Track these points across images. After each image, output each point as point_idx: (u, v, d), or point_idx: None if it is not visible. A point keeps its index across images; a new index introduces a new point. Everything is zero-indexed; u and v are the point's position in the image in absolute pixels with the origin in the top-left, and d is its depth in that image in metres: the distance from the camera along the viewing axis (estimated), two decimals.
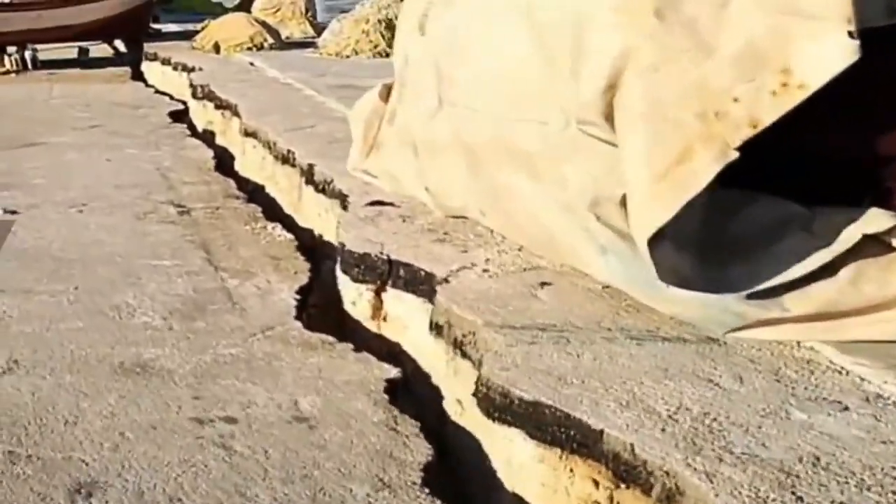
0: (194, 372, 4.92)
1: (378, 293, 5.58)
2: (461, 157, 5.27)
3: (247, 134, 9.72)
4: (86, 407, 4.53)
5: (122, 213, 8.04)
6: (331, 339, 5.37)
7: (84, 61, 17.79)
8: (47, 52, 17.60)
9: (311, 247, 7.57)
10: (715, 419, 3.49)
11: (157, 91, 15.21)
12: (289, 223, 8.16)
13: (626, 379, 3.80)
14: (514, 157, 4.65)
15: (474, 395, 4.01)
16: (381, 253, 5.45)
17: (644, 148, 3.74)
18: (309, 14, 18.58)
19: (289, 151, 8.36)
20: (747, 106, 3.64)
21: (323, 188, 7.38)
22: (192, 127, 12.51)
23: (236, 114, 10.66)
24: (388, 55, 14.75)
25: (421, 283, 5.16)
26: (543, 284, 4.81)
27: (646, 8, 3.85)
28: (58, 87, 15.25)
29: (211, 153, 10.47)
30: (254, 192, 9.23)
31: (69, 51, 18.17)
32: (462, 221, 5.86)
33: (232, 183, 9.21)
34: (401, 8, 7.13)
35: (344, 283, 5.76)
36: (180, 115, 13.23)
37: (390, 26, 15.03)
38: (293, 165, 8.27)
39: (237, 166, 10.05)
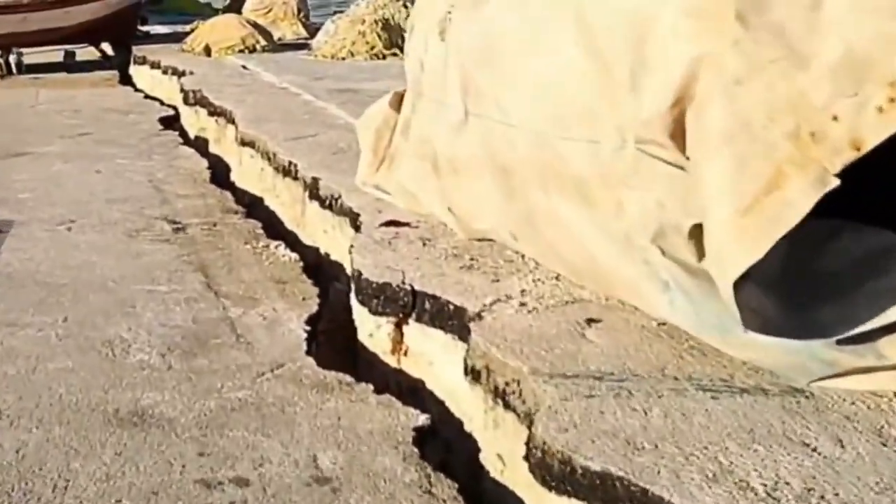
0: (198, 421, 4.36)
1: (399, 325, 5.01)
2: (492, 175, 4.70)
3: (244, 143, 9.14)
4: (78, 467, 3.97)
5: (114, 230, 7.47)
6: (348, 378, 4.83)
7: (70, 65, 17.17)
8: (33, 55, 16.96)
9: (316, 264, 7.01)
10: (822, 497, 2.93)
11: (147, 96, 14.63)
12: (291, 240, 7.60)
13: (708, 443, 3.24)
14: (558, 179, 4.09)
15: (526, 458, 3.45)
16: (403, 283, 4.88)
17: (726, 174, 3.18)
18: (301, 14, 17.98)
19: (290, 163, 7.78)
20: (849, 125, 3.08)
21: (330, 204, 6.81)
22: (183, 134, 11.94)
23: (231, 121, 10.07)
24: (384, 57, 14.23)
25: (450, 318, 4.60)
26: (591, 321, 4.25)
27: (725, 11, 3.29)
28: (44, 93, 14.64)
29: (205, 163, 9.90)
30: (252, 206, 8.67)
31: (55, 54, 17.52)
32: (489, 245, 5.30)
33: (229, 195, 8.64)
34: (413, 10, 6.54)
35: (360, 314, 5.20)
36: (171, 121, 12.65)
37: (387, 27, 14.50)
38: (295, 178, 7.69)
39: (234, 177, 9.47)
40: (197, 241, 7.22)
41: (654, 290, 3.83)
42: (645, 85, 3.58)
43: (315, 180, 7.16)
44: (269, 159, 8.37)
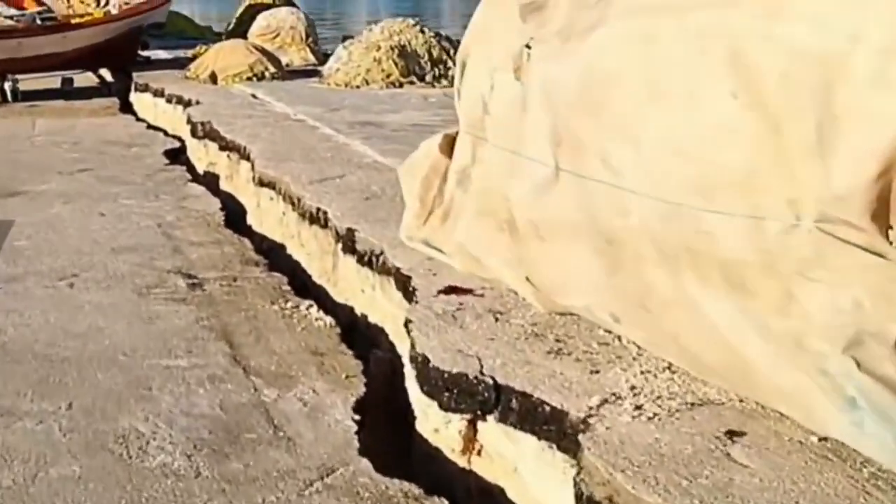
0: None
1: (474, 421, 4.14)
2: (591, 246, 3.85)
3: (262, 184, 8.26)
4: None
5: (122, 287, 6.60)
6: (415, 490, 3.97)
7: (68, 92, 16.26)
8: (29, 82, 16.07)
9: (351, 326, 6.16)
10: None
11: (150, 126, 13.75)
12: (321, 296, 6.74)
13: None
14: (696, 259, 3.22)
15: None
16: (482, 374, 4.02)
17: None
18: (310, 40, 17.11)
19: (318, 210, 6.92)
20: None
21: (370, 261, 5.95)
22: (190, 168, 11.06)
23: (246, 157, 9.21)
24: (401, 85, 13.40)
25: (545, 422, 3.74)
26: (732, 434, 3.39)
27: None
28: (41, 122, 13.76)
29: (217, 203, 9.03)
30: (272, 254, 7.80)
31: (52, 80, 16.64)
32: (573, 321, 4.45)
33: (247, 243, 7.77)
34: (466, 40, 5.68)
35: (424, 405, 4.34)
36: (177, 154, 11.78)
37: (403, 54, 13.68)
38: (325, 226, 6.83)
39: (250, 220, 8.60)
40: (216, 301, 6.35)
41: (831, 407, 2.97)
42: (835, 148, 2.72)
43: (350, 232, 6.29)
44: (292, 204, 7.50)
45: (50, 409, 4.72)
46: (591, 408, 3.65)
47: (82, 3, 17.46)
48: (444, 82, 13.59)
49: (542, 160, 4.12)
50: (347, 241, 6.34)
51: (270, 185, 8.11)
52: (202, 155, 10.89)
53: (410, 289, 5.19)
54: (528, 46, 4.45)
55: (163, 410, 4.71)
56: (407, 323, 4.70)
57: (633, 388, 3.78)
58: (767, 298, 3.02)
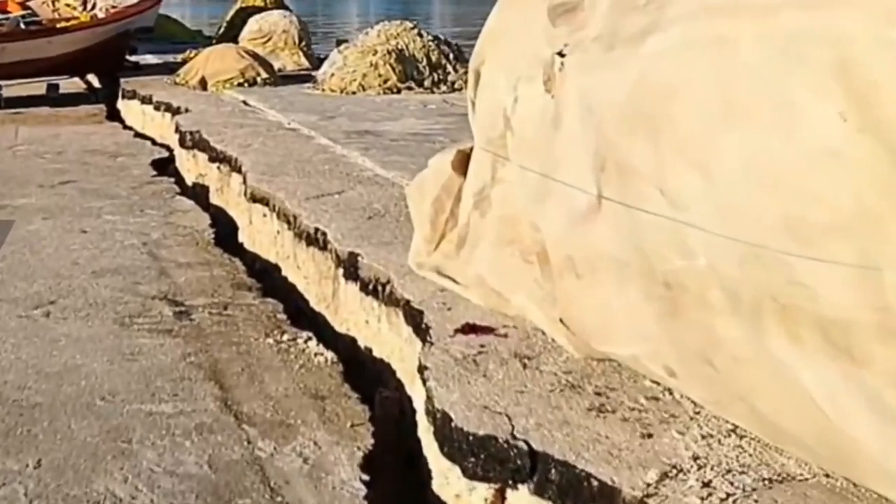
0: None
1: (502, 489, 3.53)
2: (643, 287, 3.25)
3: (255, 199, 7.64)
4: None
5: (103, 316, 5.99)
6: None
7: (54, 98, 15.60)
8: (12, 88, 15.43)
9: (353, 359, 5.56)
10: None
11: (137, 134, 13.14)
12: (319, 324, 6.13)
13: None
14: (784, 314, 2.62)
15: None
16: (514, 437, 3.41)
17: None
18: (302, 44, 16.47)
19: (317, 231, 6.30)
20: None
21: (375, 289, 5.35)
22: (179, 179, 10.44)
23: (237, 170, 8.60)
24: (399, 91, 12.80)
25: (592, 500, 3.11)
26: None
27: None
28: (24, 131, 13.13)
29: (207, 219, 8.43)
30: (266, 275, 7.20)
31: (37, 86, 15.98)
32: (613, 368, 3.85)
33: (239, 264, 7.18)
34: (482, 44, 5.08)
35: (445, 468, 3.73)
36: (165, 164, 11.16)
37: (401, 58, 13.07)
38: (324, 248, 6.21)
39: (242, 238, 7.99)
40: (205, 333, 5.75)
41: None
42: None
43: (353, 256, 5.69)
44: (287, 222, 6.89)
45: (15, 468, 4.12)
46: (648, 484, 3.04)
47: (68, 6, 16.83)
48: (444, 88, 13.02)
49: (581, 186, 3.51)
50: (349, 267, 5.74)
51: (263, 200, 7.50)
52: (191, 166, 10.27)
53: (423, 325, 4.58)
54: (560, 54, 3.85)
55: (143, 469, 4.10)
56: (422, 369, 4.09)
57: (695, 457, 3.18)
58: (884, 368, 2.42)
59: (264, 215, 7.51)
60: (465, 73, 13.49)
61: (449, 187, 5.11)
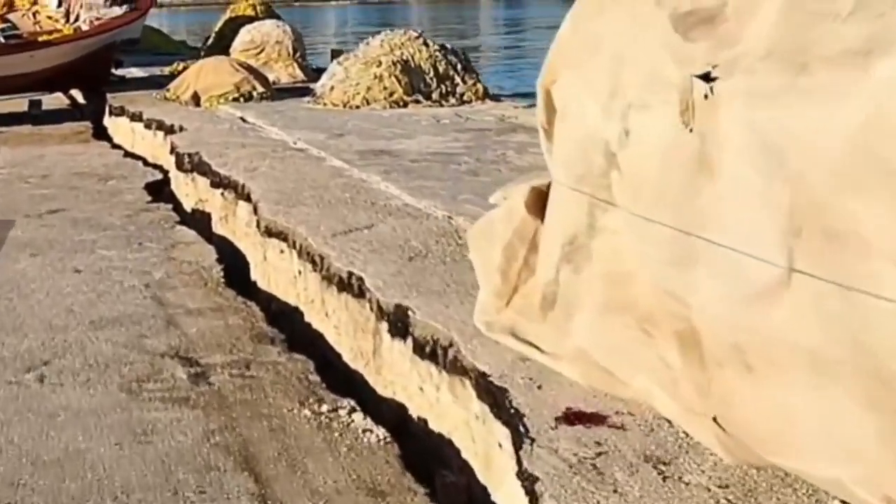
0: None
1: None
2: (859, 391, 2.39)
3: (270, 233, 6.72)
4: None
5: (106, 381, 5.10)
6: None
7: (36, 116, 14.61)
8: None
9: (400, 427, 4.67)
10: None
11: (127, 153, 12.16)
12: (355, 383, 5.23)
13: None
14: None
15: None
16: None
17: None
18: (297, 55, 15.52)
19: (351, 275, 5.39)
20: None
21: (434, 352, 4.44)
22: (175, 203, 9.50)
23: (245, 197, 7.68)
24: (405, 104, 11.90)
25: None
26: None
27: None
28: (5, 152, 12.16)
29: (213, 253, 7.52)
30: (282, 318, 6.29)
31: (18, 103, 14.99)
32: (780, 480, 2.98)
33: (256, 310, 6.27)
34: (555, 54, 4.21)
35: None
36: (160, 187, 10.21)
37: (407, 70, 12.17)
38: (360, 296, 5.30)
39: (255, 275, 7.05)
40: (229, 401, 4.84)
41: None
42: None
43: (401, 311, 4.79)
44: (312, 262, 5.98)
45: None
46: None
47: (50, 19, 15.82)
48: (452, 100, 12.14)
49: (759, 254, 2.61)
50: (397, 322, 4.84)
51: (281, 235, 6.59)
52: (189, 191, 9.34)
53: (509, 407, 3.68)
54: (707, 77, 2.95)
55: None
56: (527, 477, 3.18)
57: None
58: None
59: (281, 251, 6.60)
60: (475, 84, 12.69)
61: (522, 232, 4.25)
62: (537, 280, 4.10)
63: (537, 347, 3.99)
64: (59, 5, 15.86)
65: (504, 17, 74.55)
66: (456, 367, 4.28)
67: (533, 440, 3.38)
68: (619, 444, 3.29)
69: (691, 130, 3.05)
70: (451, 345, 4.36)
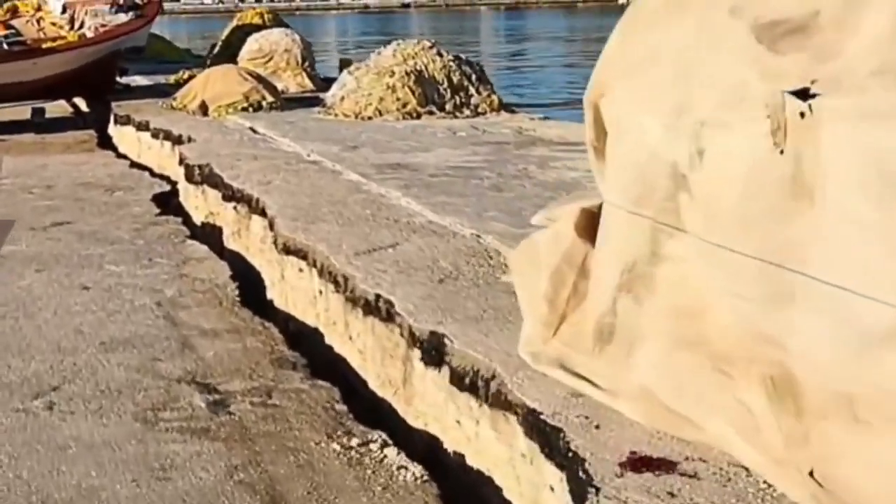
0: None
1: None
2: None
3: (288, 251, 6.42)
4: None
5: (119, 409, 4.81)
6: None
7: (39, 124, 14.29)
8: None
9: (432, 459, 4.37)
10: None
11: (133, 164, 11.85)
12: (382, 411, 4.93)
13: None
14: None
15: None
16: None
17: None
18: (306, 64, 15.22)
19: (379, 298, 5.08)
20: None
21: (474, 384, 4.14)
22: (184, 215, 9.19)
23: (259, 212, 7.38)
24: (419, 116, 11.60)
25: None
26: None
27: None
28: (8, 161, 11.85)
29: (226, 270, 7.22)
30: (301, 338, 5.99)
31: (21, 111, 14.67)
32: None
33: (274, 332, 5.97)
34: (602, 72, 3.92)
35: None
36: (167, 199, 9.90)
37: (420, 80, 11.88)
38: (388, 320, 5.00)
39: (271, 294, 6.75)
40: (251, 433, 4.53)
41: None
42: None
43: (437, 338, 4.49)
44: (335, 283, 5.68)
45: None
46: None
47: (54, 25, 15.51)
48: (467, 112, 11.85)
49: (873, 293, 2.30)
50: (431, 350, 4.54)
51: (300, 253, 6.28)
52: (199, 203, 9.03)
53: (565, 449, 3.37)
54: (804, 94, 2.64)
55: None
56: None
57: None
58: None
59: (300, 270, 6.29)
60: (490, 95, 12.39)
61: (571, 256, 3.96)
62: (589, 309, 3.81)
63: (592, 382, 3.69)
64: (64, 12, 15.55)
65: (505, 27, 74.37)
66: (500, 401, 3.98)
67: (598, 489, 3.07)
68: (693, 495, 2.99)
69: (782, 152, 2.75)
70: (493, 377, 4.07)
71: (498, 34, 64.23)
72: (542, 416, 3.62)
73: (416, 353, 4.70)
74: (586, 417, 3.53)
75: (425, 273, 5.41)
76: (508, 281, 5.17)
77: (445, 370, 4.44)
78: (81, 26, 14.98)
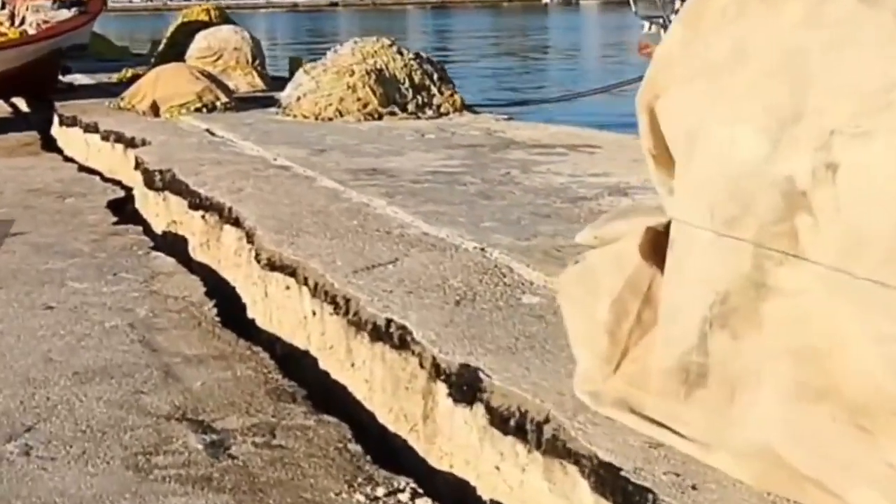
0: None
1: None
2: None
3: (273, 267, 5.83)
4: None
5: (106, 454, 4.24)
6: None
7: None
8: None
9: None
10: None
11: (81, 167, 11.13)
12: (398, 450, 4.38)
13: None
14: None
15: None
16: None
17: None
18: (256, 63, 14.56)
19: (391, 323, 4.53)
20: None
21: (521, 427, 3.60)
22: (141, 222, 8.54)
23: (232, 222, 6.79)
24: (380, 117, 11.03)
25: None
26: None
27: None
28: None
29: (200, 286, 6.64)
30: (289, 362, 5.42)
31: None
32: None
33: (265, 357, 5.39)
34: (659, 72, 3.43)
35: None
36: (121, 205, 9.23)
37: (381, 80, 11.29)
38: (401, 348, 4.44)
39: (253, 313, 6.14)
40: (260, 482, 3.97)
41: None
42: None
43: (469, 371, 3.94)
44: (333, 303, 5.09)
45: None
46: None
47: None
48: (429, 112, 11.32)
49: None
50: (462, 386, 3.97)
51: (286, 269, 5.69)
52: (160, 211, 8.39)
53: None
54: None
55: None
56: None
57: None
58: None
59: (287, 288, 5.70)
60: (452, 95, 11.84)
61: (636, 283, 3.45)
62: (664, 344, 3.29)
63: (674, 431, 3.16)
64: (3, 7, 14.71)
65: (433, 25, 73.99)
66: (557, 448, 3.45)
67: None
68: None
69: None
70: (547, 420, 3.53)
71: (426, 33, 63.76)
72: (622, 472, 3.09)
73: (442, 387, 4.16)
74: (676, 474, 3.02)
75: (437, 294, 4.86)
76: (532, 303, 4.68)
77: (480, 408, 3.90)
78: (22, 23, 14.16)
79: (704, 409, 3.02)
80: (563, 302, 3.73)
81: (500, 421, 3.76)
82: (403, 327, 4.52)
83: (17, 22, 14.35)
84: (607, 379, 3.49)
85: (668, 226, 3.41)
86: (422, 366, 4.33)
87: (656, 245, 3.45)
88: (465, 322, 4.45)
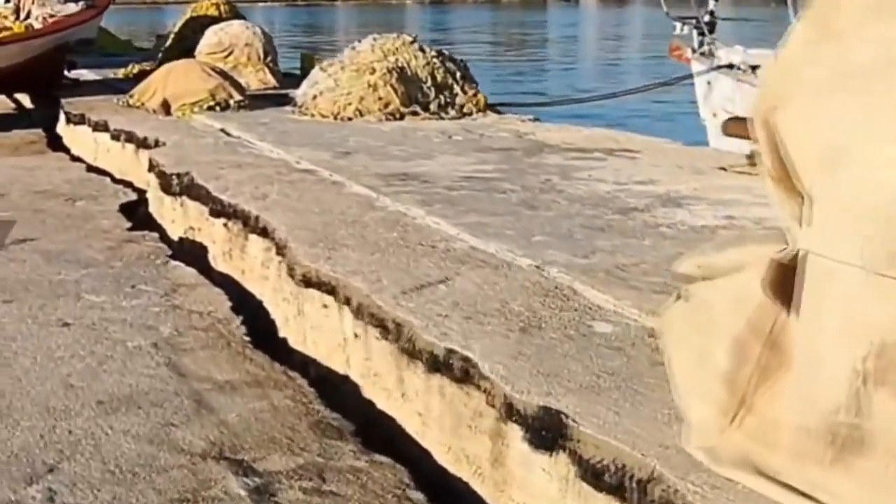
0: None
1: None
2: None
3: (308, 283, 5.36)
4: None
5: (140, 500, 3.66)
6: None
7: None
8: None
9: None
10: None
11: (90, 167, 10.64)
12: (457, 492, 3.92)
13: None
14: None
15: None
16: None
17: None
18: (268, 59, 14.07)
19: (453, 354, 4.05)
20: None
21: (620, 486, 3.13)
22: (155, 227, 8.06)
23: (259, 231, 6.32)
24: (402, 116, 10.55)
25: None
26: None
27: None
28: None
29: (226, 300, 6.16)
30: (324, 385, 4.95)
31: None
32: None
33: (303, 384, 4.91)
34: (776, 78, 2.98)
35: None
36: (133, 209, 8.75)
37: (403, 78, 10.82)
38: (462, 381, 3.97)
39: (285, 332, 5.68)
40: None
41: None
42: None
43: (549, 415, 3.48)
44: (381, 327, 4.62)
45: None
46: None
47: None
48: (452, 112, 10.87)
49: None
50: (542, 430, 3.51)
51: (324, 287, 5.22)
52: (177, 216, 7.91)
53: None
54: None
55: None
56: None
57: None
58: None
59: (325, 306, 5.23)
60: (475, 94, 11.36)
61: (758, 323, 3.01)
62: (800, 399, 2.82)
63: (818, 501, 2.69)
64: (8, 1, 14.21)
65: (431, 20, 73.61)
66: None
67: None
68: None
69: None
70: (652, 478, 3.05)
71: (425, 27, 63.31)
72: None
73: (516, 429, 3.70)
74: None
75: (499, 320, 4.39)
76: (605, 331, 4.21)
77: (563, 458, 3.44)
78: (28, 17, 13.66)
79: (862, 481, 2.56)
80: (668, 343, 3.26)
81: (591, 475, 3.29)
82: (467, 359, 4.06)
83: (22, 16, 13.84)
84: (724, 432, 3.03)
85: (794, 258, 2.95)
86: (490, 404, 3.86)
87: (782, 280, 2.99)
88: (536, 354, 3.98)
